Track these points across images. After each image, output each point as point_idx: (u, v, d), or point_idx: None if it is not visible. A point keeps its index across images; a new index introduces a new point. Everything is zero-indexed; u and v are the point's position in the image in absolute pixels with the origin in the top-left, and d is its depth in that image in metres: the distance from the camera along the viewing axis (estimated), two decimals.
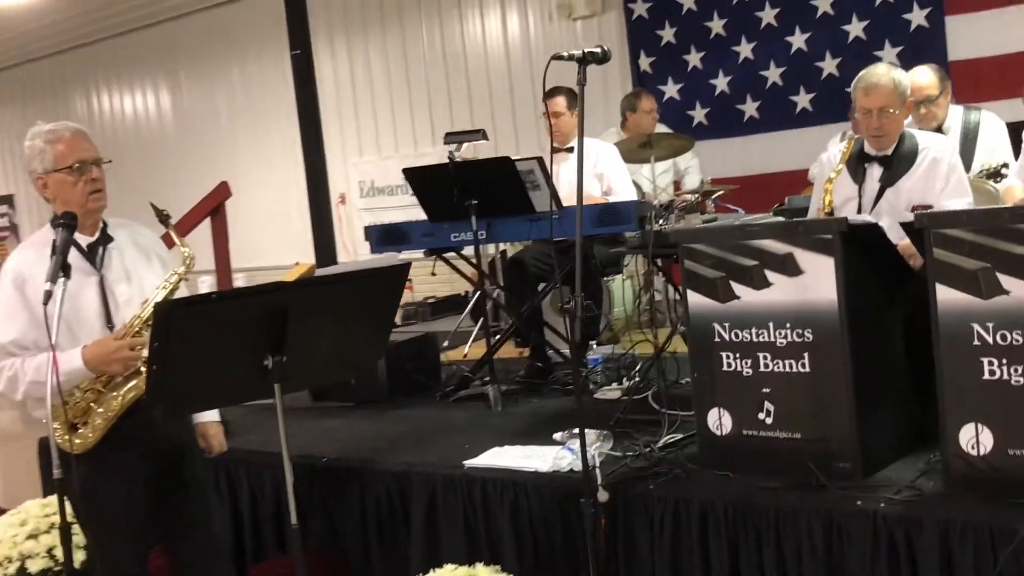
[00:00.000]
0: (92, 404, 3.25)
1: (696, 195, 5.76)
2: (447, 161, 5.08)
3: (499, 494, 3.86)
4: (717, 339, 3.58)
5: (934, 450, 3.37)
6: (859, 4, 7.88)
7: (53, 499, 3.93)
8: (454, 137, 5.16)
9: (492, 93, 9.93)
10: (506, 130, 9.79)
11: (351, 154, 10.89)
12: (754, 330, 3.49)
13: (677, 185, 7.56)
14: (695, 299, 3.62)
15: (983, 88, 7.37)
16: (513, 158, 5.01)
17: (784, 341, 3.43)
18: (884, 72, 4.04)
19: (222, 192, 6.40)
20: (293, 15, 8.39)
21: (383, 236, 5.51)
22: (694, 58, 8.67)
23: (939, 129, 5.07)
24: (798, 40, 8.19)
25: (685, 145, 6.68)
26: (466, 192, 5.03)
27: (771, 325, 3.45)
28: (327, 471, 4.38)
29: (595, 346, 5.43)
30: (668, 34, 8.76)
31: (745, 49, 8.43)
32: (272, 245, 10.85)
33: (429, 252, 5.47)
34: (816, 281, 3.34)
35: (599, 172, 5.71)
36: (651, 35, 8.84)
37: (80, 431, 3.25)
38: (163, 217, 3.38)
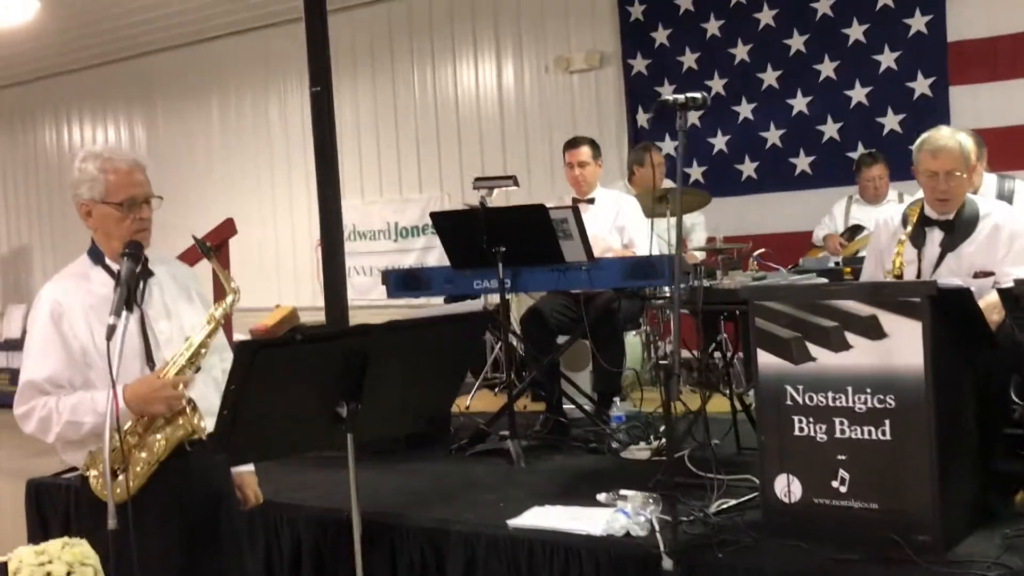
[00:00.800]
0: (133, 448, 3.00)
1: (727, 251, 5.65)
2: (477, 206, 4.92)
3: (548, 558, 3.65)
4: (789, 402, 3.44)
5: (1001, 523, 3.26)
6: (862, 70, 7.92)
7: (47, 546, 3.65)
8: (485, 182, 5.01)
9: (483, 143, 9.82)
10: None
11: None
12: (831, 394, 3.36)
13: (684, 242, 7.47)
14: (766, 359, 3.48)
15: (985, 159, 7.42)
16: (548, 206, 4.87)
17: (864, 407, 3.30)
18: (949, 135, 3.98)
19: (226, 230, 6.17)
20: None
21: (401, 282, 5.33)
22: (693, 116, 8.59)
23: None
24: (799, 103, 8.19)
25: (701, 200, 6.59)
26: (494, 239, 4.88)
27: (850, 389, 3.32)
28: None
29: (618, 403, 5.26)
30: (667, 91, 8.72)
31: (745, 110, 8.43)
32: (249, 285, 10.56)
33: (449, 299, 5.29)
34: (901, 345, 3.22)
35: (620, 224, 5.60)
36: (650, 92, 8.80)
37: (120, 478, 3.00)
38: (206, 249, 3.16)
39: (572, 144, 5.72)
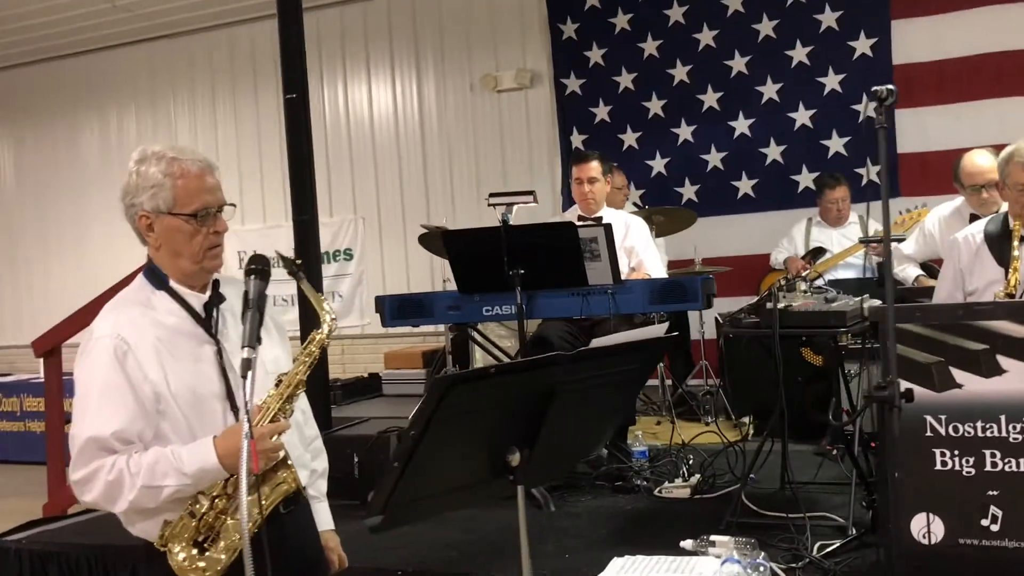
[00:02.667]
0: (220, 514, 2.43)
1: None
2: (499, 224, 4.47)
3: None
4: (929, 433, 3.13)
5: None
6: (806, 92, 7.84)
7: None
8: (501, 198, 4.56)
9: (403, 164, 9.32)
10: (417, 201, 9.22)
11: (232, 221, 9.96)
12: (980, 424, 3.07)
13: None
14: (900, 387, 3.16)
15: (931, 182, 7.44)
16: (577, 224, 4.48)
17: (1020, 436, 3.03)
18: None
19: None
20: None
21: (398, 309, 4.84)
22: (630, 138, 8.40)
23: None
24: (741, 125, 8.06)
25: (687, 219, 6.30)
26: (514, 260, 4.45)
27: (1003, 418, 3.04)
28: None
29: (641, 436, 4.87)
30: (602, 112, 8.48)
31: (685, 132, 8.24)
32: None
33: (455, 327, 4.81)
34: None
35: (628, 245, 5.25)
36: (584, 112, 8.53)
37: (208, 553, 2.43)
38: (294, 268, 2.61)
39: (580, 158, 5.33)
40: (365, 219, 9.49)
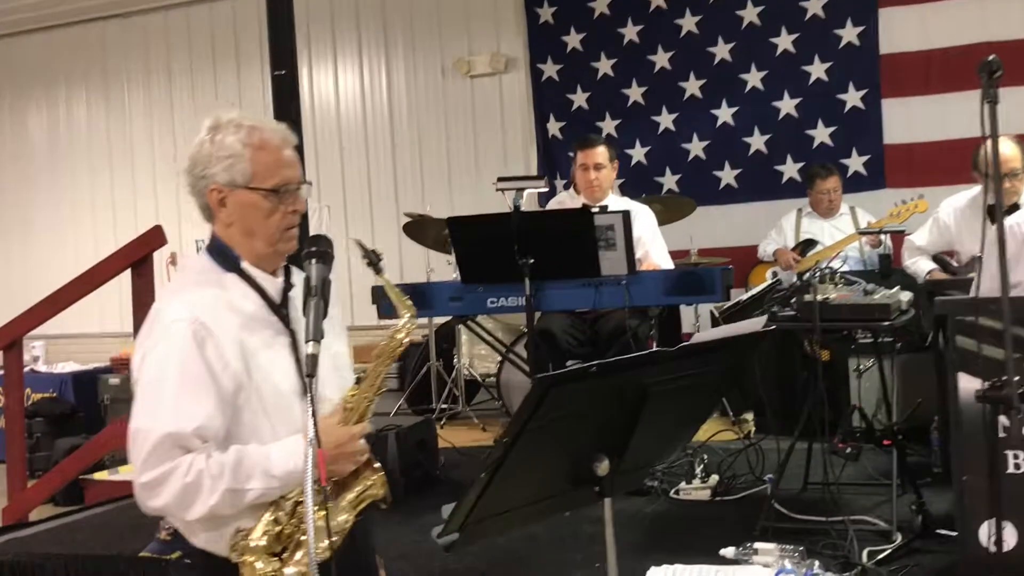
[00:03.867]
0: (302, 522, 2.13)
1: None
2: (511, 210, 4.20)
3: None
4: (1002, 434, 2.93)
5: None
6: (791, 80, 7.66)
7: None
8: (511, 183, 4.28)
9: (369, 151, 8.98)
10: (385, 189, 8.90)
11: (190, 209, 9.56)
12: None
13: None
14: (968, 384, 2.96)
15: (918, 173, 7.32)
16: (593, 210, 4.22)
17: None
18: None
19: (152, 240, 5.14)
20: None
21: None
22: (609, 126, 8.16)
23: (1016, 207, 4.73)
24: (724, 114, 7.86)
25: (686, 207, 6.07)
26: (524, 248, 4.19)
27: None
28: None
29: None
30: (580, 99, 8.23)
31: (666, 120, 8.01)
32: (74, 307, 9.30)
33: (457, 320, 4.54)
34: None
35: (636, 235, 4.98)
36: (561, 99, 8.27)
37: (289, 565, 2.14)
38: (375, 260, 2.34)
39: (586, 143, 5.07)
40: (330, 207, 9.11)
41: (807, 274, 3.90)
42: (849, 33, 7.48)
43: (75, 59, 10.01)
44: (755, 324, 2.16)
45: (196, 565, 2.20)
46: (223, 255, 2.25)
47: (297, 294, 2.27)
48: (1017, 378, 2.77)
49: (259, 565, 2.08)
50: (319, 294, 1.92)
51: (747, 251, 7.29)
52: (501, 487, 1.91)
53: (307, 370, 1.85)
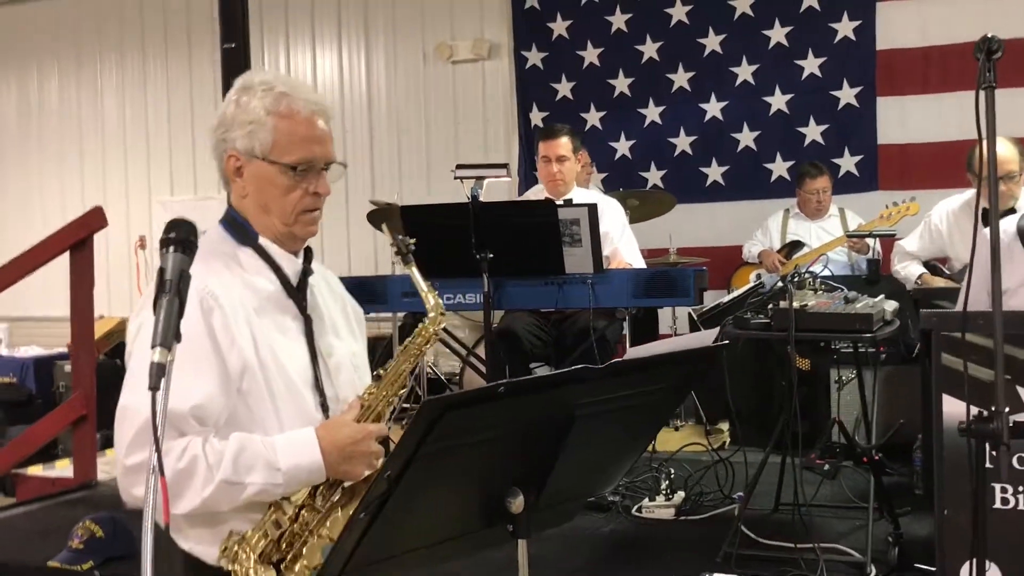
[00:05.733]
0: (305, 530, 1.90)
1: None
2: (468, 200, 3.90)
3: None
4: (989, 464, 2.63)
5: None
6: (783, 75, 7.36)
7: None
8: (470, 170, 3.98)
9: (347, 139, 8.63)
10: (362, 177, 8.57)
11: (160, 191, 9.31)
12: None
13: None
14: (954, 408, 2.67)
15: (912, 175, 7.04)
16: (557, 203, 3.92)
17: None
18: None
19: (93, 221, 4.83)
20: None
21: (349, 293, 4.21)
22: (593, 117, 7.86)
23: (1011, 210, 4.44)
24: (713, 108, 7.55)
25: (665, 204, 5.77)
26: (482, 242, 3.89)
27: None
28: None
29: None
30: (565, 88, 7.92)
31: (653, 112, 7.71)
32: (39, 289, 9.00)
33: (410, 316, 4.24)
34: None
35: (603, 231, 4.66)
36: (545, 88, 7.97)
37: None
38: (406, 250, 2.12)
39: (548, 134, 4.76)
40: None
41: (788, 276, 3.61)
42: (845, 27, 7.19)
43: (48, 33, 9.70)
44: (705, 337, 1.86)
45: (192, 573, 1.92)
46: (238, 228, 2.05)
47: (317, 281, 2.12)
48: (1007, 409, 2.48)
49: (253, 574, 1.83)
50: (175, 290, 1.60)
51: (731, 251, 6.99)
52: (390, 527, 1.61)
53: (151, 383, 1.52)
